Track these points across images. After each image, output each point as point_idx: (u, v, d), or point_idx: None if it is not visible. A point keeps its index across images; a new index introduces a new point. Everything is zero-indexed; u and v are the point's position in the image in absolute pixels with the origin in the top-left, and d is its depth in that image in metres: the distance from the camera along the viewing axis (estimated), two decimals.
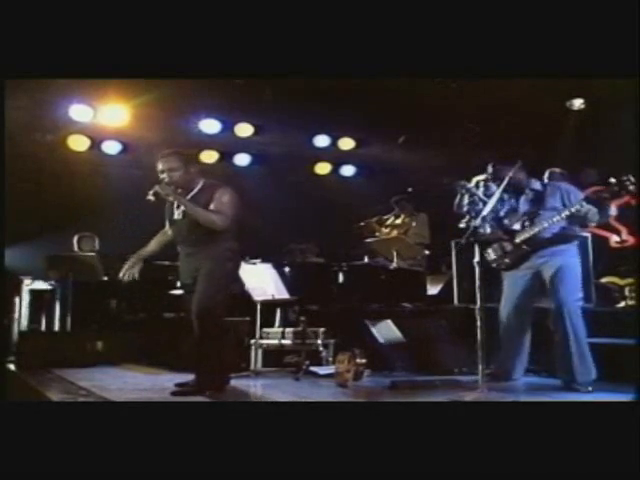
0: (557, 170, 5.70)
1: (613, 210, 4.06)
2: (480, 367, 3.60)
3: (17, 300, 6.73)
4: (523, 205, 4.30)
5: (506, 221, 4.32)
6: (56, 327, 6.62)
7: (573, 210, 3.97)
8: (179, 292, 6.12)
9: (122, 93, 6.98)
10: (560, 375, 4.10)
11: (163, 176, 3.97)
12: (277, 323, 5.78)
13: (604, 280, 5.51)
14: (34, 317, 6.74)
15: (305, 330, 5.14)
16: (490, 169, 4.33)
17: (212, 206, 3.96)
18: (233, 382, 4.19)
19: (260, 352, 5.28)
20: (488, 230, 4.20)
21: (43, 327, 6.75)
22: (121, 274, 4.17)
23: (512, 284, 4.30)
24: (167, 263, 5.33)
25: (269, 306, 5.41)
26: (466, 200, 4.52)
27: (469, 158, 6.74)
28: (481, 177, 4.58)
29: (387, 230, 6.97)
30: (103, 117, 7.30)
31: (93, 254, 6.76)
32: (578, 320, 3.97)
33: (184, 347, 4.80)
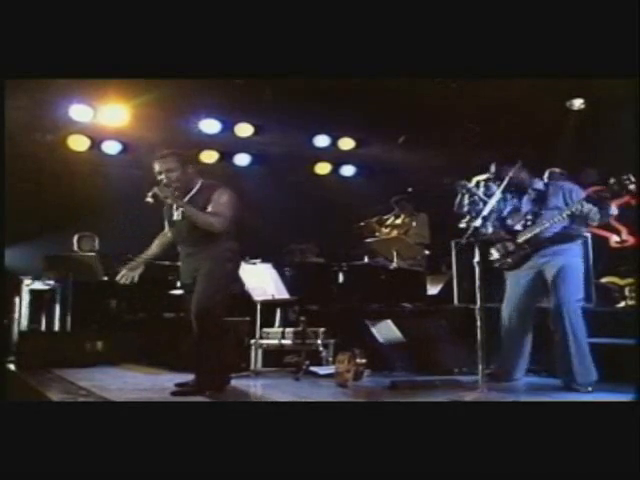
0: (557, 170, 5.70)
1: (614, 210, 4.05)
2: (480, 367, 3.60)
3: (17, 300, 6.73)
4: (525, 205, 4.30)
5: (509, 221, 4.32)
6: (56, 327, 6.62)
7: (573, 209, 3.97)
8: (179, 292, 6.14)
9: (122, 93, 6.98)
10: (560, 375, 4.11)
11: (161, 177, 3.96)
12: (277, 323, 5.78)
13: (604, 280, 5.51)
14: (34, 317, 6.74)
15: (305, 330, 5.14)
16: (493, 168, 4.33)
17: (210, 207, 3.96)
18: (233, 382, 4.19)
19: (260, 352, 5.28)
20: (490, 230, 4.21)
21: (43, 327, 6.75)
22: (118, 277, 4.15)
23: (515, 284, 4.30)
24: (167, 263, 5.33)
25: (269, 306, 5.41)
26: (466, 200, 4.52)
27: (469, 158, 6.74)
28: (481, 177, 4.58)
29: (387, 230, 6.97)
30: (103, 117, 7.30)
31: (93, 254, 6.76)
32: (578, 320, 3.97)
33: (184, 347, 4.81)
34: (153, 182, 3.97)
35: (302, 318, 5.19)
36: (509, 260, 4.26)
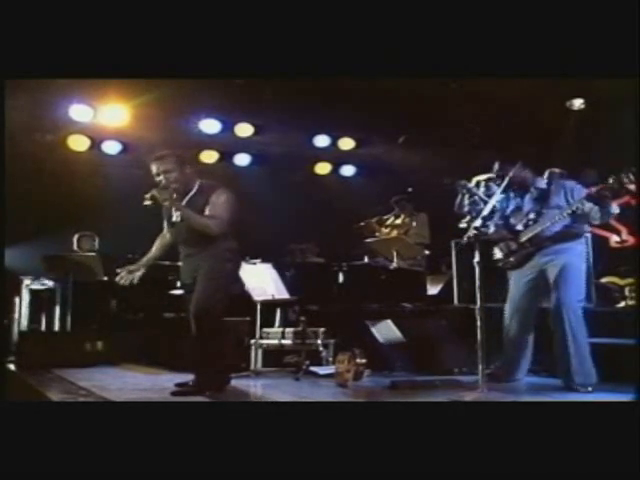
0: (557, 170, 5.70)
1: (615, 208, 4.05)
2: (480, 367, 3.60)
3: (17, 300, 6.73)
4: (528, 204, 4.30)
5: (511, 220, 4.33)
6: (56, 327, 6.63)
7: (574, 208, 3.98)
8: (179, 292, 6.14)
9: (122, 93, 6.97)
10: (559, 375, 4.11)
11: (159, 178, 3.95)
12: (277, 323, 5.78)
13: (604, 280, 5.51)
14: (34, 317, 6.74)
15: (305, 330, 5.14)
16: (496, 166, 4.31)
17: (208, 209, 3.95)
18: (233, 382, 4.19)
19: (260, 352, 5.28)
20: (492, 229, 4.21)
21: (43, 327, 6.75)
22: (117, 278, 4.14)
23: (517, 283, 4.30)
24: (167, 263, 5.33)
25: (269, 306, 5.41)
26: (467, 200, 4.52)
27: (469, 158, 6.74)
28: (482, 177, 4.58)
29: (387, 230, 6.97)
30: (103, 117, 7.30)
31: (93, 254, 6.76)
32: (578, 321, 3.97)
33: (184, 347, 4.80)
34: (153, 182, 3.97)
35: (302, 318, 5.19)
36: (512, 259, 4.26)
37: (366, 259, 6.35)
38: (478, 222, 3.78)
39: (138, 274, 4.16)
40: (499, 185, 4.21)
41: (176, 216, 4.05)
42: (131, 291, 4.24)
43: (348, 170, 9.00)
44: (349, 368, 4.26)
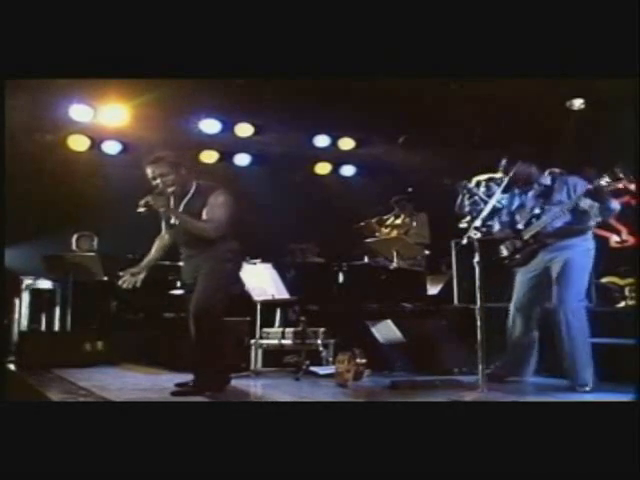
0: (557, 170, 5.70)
1: (615, 205, 4.04)
2: (480, 367, 3.60)
3: (17, 300, 6.73)
4: (531, 200, 4.30)
5: (516, 217, 4.33)
6: (56, 327, 6.63)
7: (573, 204, 3.98)
8: (179, 292, 6.14)
9: (122, 93, 6.97)
10: (560, 375, 4.11)
11: (157, 182, 3.93)
12: (277, 323, 5.78)
13: (604, 280, 5.51)
14: (34, 317, 6.74)
15: (305, 330, 5.14)
16: (503, 162, 4.30)
17: (206, 211, 3.95)
18: (233, 382, 4.19)
19: (260, 352, 5.28)
20: (497, 227, 4.22)
21: (43, 327, 6.75)
22: (120, 282, 4.13)
23: (522, 281, 4.31)
24: (167, 263, 5.33)
25: (269, 306, 5.41)
26: (467, 201, 4.52)
27: (469, 158, 6.74)
28: (482, 177, 4.58)
29: (387, 230, 6.97)
30: (103, 117, 7.30)
31: (93, 254, 6.76)
32: (576, 319, 3.97)
33: (184, 347, 4.80)
34: (150, 185, 3.96)
35: (302, 318, 5.19)
36: (518, 257, 4.25)
37: (366, 259, 6.36)
38: (478, 222, 3.78)
39: (141, 277, 4.16)
40: (499, 185, 4.21)
41: (174, 219, 4.04)
42: (131, 291, 4.24)
43: (348, 170, 8.99)
44: (349, 368, 4.26)
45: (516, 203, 4.38)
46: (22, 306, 6.69)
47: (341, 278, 5.50)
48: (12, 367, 5.70)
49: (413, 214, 6.96)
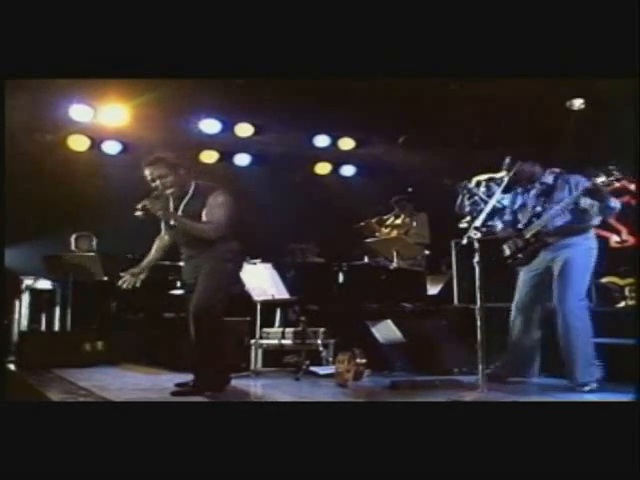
0: (557, 170, 5.70)
1: (615, 203, 4.04)
2: (480, 367, 3.60)
3: (17, 300, 6.73)
4: (533, 199, 4.30)
5: (518, 216, 4.33)
6: (56, 327, 6.63)
7: (571, 202, 3.99)
8: (179, 292, 6.14)
9: (122, 93, 6.97)
10: (559, 374, 4.12)
11: (156, 184, 3.93)
12: (277, 323, 5.78)
13: (604, 280, 5.51)
14: (34, 317, 6.74)
15: (305, 330, 5.14)
16: (507, 161, 4.30)
17: (205, 212, 3.94)
18: (233, 382, 4.18)
19: (260, 352, 5.28)
20: (500, 227, 4.22)
21: (43, 327, 6.75)
22: (120, 282, 4.14)
23: (524, 280, 4.31)
24: (167, 263, 5.33)
25: (269, 306, 5.41)
26: (467, 201, 4.52)
27: (469, 158, 6.73)
28: (482, 177, 4.58)
29: (387, 230, 6.97)
30: (103, 117, 7.30)
31: (93, 254, 6.76)
32: (574, 319, 3.97)
33: (184, 347, 4.81)
34: (150, 186, 3.96)
35: (302, 318, 5.19)
36: (520, 256, 4.25)
37: (366, 259, 6.35)
38: (478, 222, 3.78)
39: (141, 277, 4.16)
40: (499, 185, 4.21)
41: (173, 221, 4.03)
42: (131, 291, 4.24)
43: (348, 170, 9.00)
44: (349, 368, 4.26)
45: (518, 202, 4.38)
46: (22, 306, 6.69)
47: (341, 278, 5.50)
48: (12, 367, 5.70)
49: (413, 214, 6.96)
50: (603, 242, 5.62)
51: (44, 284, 6.82)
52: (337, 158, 8.77)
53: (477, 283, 3.70)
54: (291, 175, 8.56)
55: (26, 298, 6.73)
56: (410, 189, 6.98)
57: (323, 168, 8.88)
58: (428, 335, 5.29)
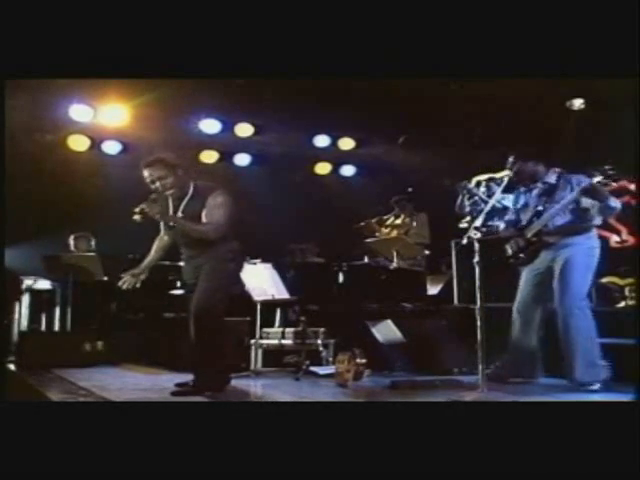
0: (557, 170, 5.70)
1: (614, 203, 4.04)
2: (480, 367, 3.60)
3: (17, 300, 6.72)
4: (535, 199, 4.30)
5: (520, 216, 4.34)
6: (56, 327, 6.63)
7: (570, 201, 4.00)
8: (179, 292, 6.14)
9: (122, 93, 6.97)
10: (559, 374, 4.12)
11: (156, 185, 3.93)
12: (277, 323, 5.78)
13: (604, 280, 5.51)
14: (34, 317, 6.74)
15: (305, 330, 5.14)
16: (511, 160, 4.30)
17: (205, 213, 3.94)
18: (233, 382, 4.18)
19: (260, 352, 5.28)
20: (502, 226, 4.23)
21: (43, 327, 6.75)
22: (120, 282, 4.14)
23: (527, 279, 4.31)
24: (167, 263, 5.33)
25: (269, 306, 5.41)
26: (467, 201, 4.52)
27: (469, 158, 6.73)
28: (482, 177, 4.58)
29: (387, 230, 6.97)
30: (103, 117, 7.30)
31: (93, 254, 6.76)
32: (574, 318, 3.97)
33: (184, 347, 4.81)
34: (149, 187, 3.96)
35: (302, 318, 5.19)
36: (522, 256, 4.25)
37: (366, 259, 6.35)
38: (478, 222, 3.78)
39: (141, 277, 4.16)
40: (499, 185, 4.21)
41: (172, 223, 4.03)
42: (131, 291, 4.25)
43: (348, 170, 9.00)
44: (349, 368, 4.26)
45: (520, 202, 4.39)
46: (22, 306, 6.68)
47: (341, 278, 5.50)
48: (12, 367, 5.70)
49: (413, 214, 6.96)
50: (603, 242, 5.63)
51: (44, 284, 6.82)
52: (337, 158, 8.77)
53: (477, 283, 3.70)
54: (291, 175, 8.56)
55: (26, 298, 6.73)
56: (410, 189, 6.98)
57: (323, 168, 8.88)
58: (428, 335, 5.29)
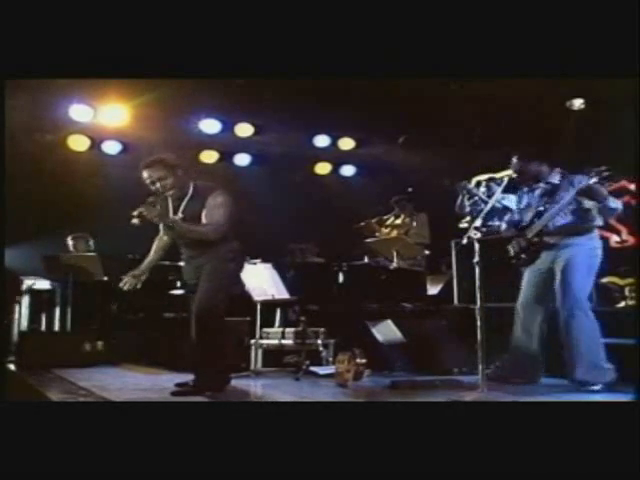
0: (560, 170, 5.70)
1: (614, 203, 4.04)
2: (480, 367, 3.60)
3: (17, 300, 6.72)
4: (537, 199, 4.31)
5: (521, 216, 4.34)
6: (56, 327, 6.63)
7: (567, 202, 4.00)
8: (179, 292, 6.15)
9: (122, 93, 6.97)
10: (559, 374, 4.12)
11: (157, 186, 3.92)
12: (277, 323, 5.78)
13: (604, 280, 5.51)
14: (34, 317, 6.74)
15: (305, 330, 5.14)
16: (514, 161, 4.30)
17: (204, 214, 3.94)
18: (233, 382, 4.18)
19: (260, 352, 5.28)
20: (504, 227, 4.23)
21: (43, 327, 6.75)
22: (122, 284, 4.14)
23: (529, 280, 4.32)
24: (167, 263, 5.33)
25: (269, 306, 5.41)
26: (467, 202, 4.52)
27: (469, 158, 6.73)
28: (482, 177, 4.58)
29: (387, 230, 6.97)
30: (103, 117, 7.30)
31: (93, 254, 6.76)
32: (573, 318, 3.97)
33: (184, 347, 4.81)
34: (149, 189, 3.96)
35: (302, 318, 5.19)
36: (523, 256, 4.25)
37: (366, 259, 6.35)
38: (478, 222, 3.78)
39: (142, 278, 4.17)
40: (499, 185, 4.21)
41: (172, 224, 4.03)
42: (131, 291, 4.25)
43: (348, 170, 9.00)
44: (349, 368, 4.26)
45: (522, 202, 4.39)
46: (22, 306, 6.68)
47: (341, 278, 5.50)
48: (12, 367, 5.70)
49: (413, 214, 6.96)
50: (604, 242, 5.63)
51: (44, 284, 6.82)
52: (337, 158, 8.77)
53: (477, 283, 3.70)
54: (291, 175, 8.56)
55: (26, 298, 6.72)
56: (410, 189, 6.98)
57: (323, 168, 8.88)
58: (428, 335, 5.29)
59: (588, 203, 3.98)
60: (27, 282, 6.77)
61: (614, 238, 5.98)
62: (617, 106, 5.39)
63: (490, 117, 6.72)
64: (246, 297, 5.16)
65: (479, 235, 3.69)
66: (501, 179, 4.30)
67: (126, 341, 6.29)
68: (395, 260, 5.94)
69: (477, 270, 3.71)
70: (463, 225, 4.58)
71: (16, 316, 6.68)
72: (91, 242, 7.04)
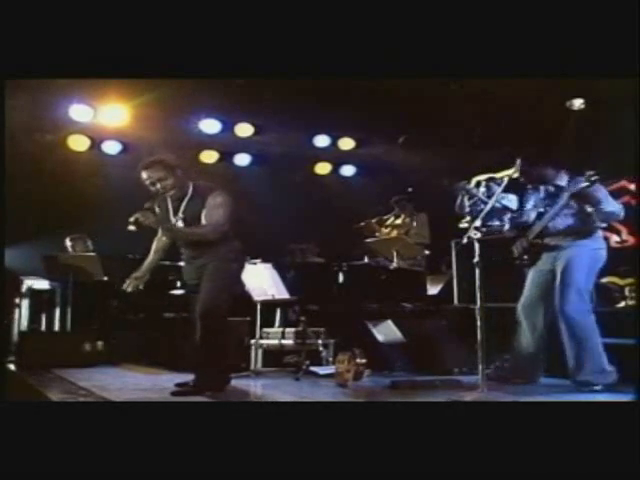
0: (565, 172, 5.69)
1: (612, 207, 4.04)
2: (480, 367, 3.60)
3: (17, 300, 6.72)
4: (539, 200, 4.32)
5: (524, 217, 4.35)
6: (56, 327, 6.63)
7: (560, 205, 4.01)
8: (179, 292, 6.15)
9: (122, 93, 6.97)
10: (559, 374, 4.12)
11: (157, 187, 3.93)
12: (277, 323, 5.78)
13: (604, 280, 5.50)
14: (34, 317, 6.74)
15: (305, 330, 5.14)
16: (518, 162, 4.30)
17: (204, 215, 3.94)
18: (233, 382, 4.19)
19: (260, 352, 5.28)
20: (507, 227, 4.24)
21: (43, 327, 6.75)
22: (125, 285, 4.16)
23: (531, 280, 4.32)
24: (167, 263, 5.33)
25: (269, 306, 5.41)
26: (467, 202, 4.52)
27: (469, 158, 6.73)
28: (482, 177, 4.58)
29: (387, 230, 6.97)
30: (103, 117, 7.30)
31: (93, 254, 6.76)
32: (573, 319, 3.97)
33: (185, 347, 4.81)
34: (149, 189, 3.95)
35: (302, 318, 5.19)
36: (526, 257, 4.26)
37: (366, 259, 6.35)
38: (478, 222, 3.78)
39: (144, 279, 4.19)
40: (499, 185, 4.21)
41: (173, 221, 4.03)
42: (131, 291, 4.26)
43: (348, 170, 8.99)
44: (349, 368, 4.26)
45: (525, 203, 4.39)
46: (22, 306, 6.68)
47: (341, 278, 5.50)
48: (12, 367, 5.70)
49: (413, 214, 6.96)
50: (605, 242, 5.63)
51: (44, 284, 6.82)
52: (337, 158, 8.77)
53: (477, 283, 3.70)
54: (291, 175, 8.56)
55: (26, 298, 6.72)
56: (410, 189, 6.98)
57: (323, 168, 8.88)
58: (428, 335, 5.29)
59: (589, 207, 3.99)
60: (27, 282, 6.77)
61: (614, 238, 5.97)
62: (617, 106, 5.39)
63: (490, 117, 6.72)
64: (246, 297, 5.16)
65: (479, 235, 3.69)
66: (501, 179, 4.30)
67: (126, 341, 6.29)
68: (395, 260, 5.94)
69: (477, 270, 3.71)
70: (463, 225, 4.58)
71: (16, 316, 6.68)
72: (89, 242, 7.04)
